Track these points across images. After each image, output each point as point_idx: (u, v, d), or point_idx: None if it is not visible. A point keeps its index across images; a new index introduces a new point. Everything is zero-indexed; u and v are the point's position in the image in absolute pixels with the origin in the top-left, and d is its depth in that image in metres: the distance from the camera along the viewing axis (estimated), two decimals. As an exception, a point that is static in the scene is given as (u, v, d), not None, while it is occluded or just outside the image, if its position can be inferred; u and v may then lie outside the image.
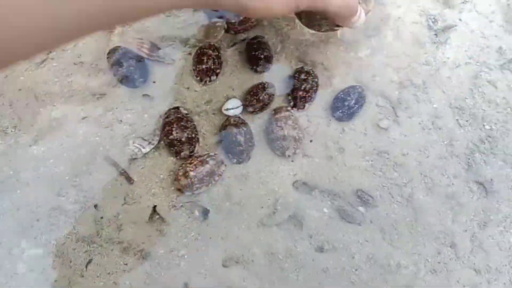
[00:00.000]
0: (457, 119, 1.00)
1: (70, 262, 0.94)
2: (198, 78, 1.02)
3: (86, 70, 1.05)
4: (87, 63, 1.05)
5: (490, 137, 0.98)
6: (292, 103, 1.01)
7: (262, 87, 1.00)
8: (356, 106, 1.00)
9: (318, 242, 0.94)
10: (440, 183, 0.97)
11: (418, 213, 0.96)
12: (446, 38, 1.04)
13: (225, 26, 1.04)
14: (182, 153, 0.96)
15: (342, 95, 1.01)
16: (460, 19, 1.05)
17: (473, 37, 1.04)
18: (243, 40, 1.05)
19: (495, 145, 0.98)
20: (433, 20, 1.05)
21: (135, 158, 0.99)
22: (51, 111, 1.02)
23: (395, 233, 0.95)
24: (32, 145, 1.00)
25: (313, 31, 0.90)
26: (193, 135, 0.97)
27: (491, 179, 0.96)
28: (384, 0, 1.07)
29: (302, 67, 1.03)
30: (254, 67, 1.01)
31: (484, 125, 0.99)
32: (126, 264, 0.94)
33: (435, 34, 1.04)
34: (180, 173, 0.95)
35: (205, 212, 0.95)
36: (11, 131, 1.01)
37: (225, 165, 0.97)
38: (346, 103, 1.00)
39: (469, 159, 0.98)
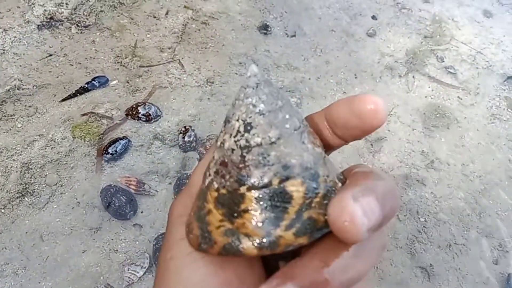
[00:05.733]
0: (397, 215, 1.21)
1: None
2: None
3: (83, 209, 1.22)
4: (83, 202, 1.23)
5: (425, 227, 1.19)
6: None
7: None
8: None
9: None
10: (390, 272, 1.16)
11: (375, 301, 1.14)
12: (380, 147, 1.27)
13: (198, 157, 1.25)
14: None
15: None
16: (388, 130, 1.29)
17: (401, 144, 1.27)
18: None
19: (430, 234, 1.19)
20: (367, 133, 1.29)
21: (132, 283, 1.15)
22: (55, 249, 1.19)
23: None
24: (41, 281, 1.16)
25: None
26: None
27: (431, 264, 1.16)
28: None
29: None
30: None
31: (419, 218, 1.20)
32: None
33: (371, 145, 1.27)
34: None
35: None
36: (21, 271, 1.16)
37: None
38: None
39: (411, 248, 1.18)
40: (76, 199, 1.23)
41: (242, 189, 0.26)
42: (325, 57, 1.53)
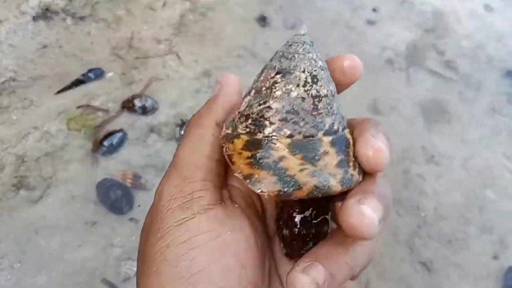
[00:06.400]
0: (397, 210, 1.19)
1: None
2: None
3: (78, 202, 1.21)
4: (79, 196, 1.21)
5: (425, 222, 1.18)
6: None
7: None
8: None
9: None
10: (389, 267, 1.15)
11: (374, 297, 1.13)
12: (380, 141, 1.26)
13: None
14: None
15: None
16: (389, 124, 1.27)
17: (401, 138, 1.26)
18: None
19: (431, 229, 1.18)
20: (367, 127, 1.27)
21: (128, 278, 1.14)
22: (50, 243, 1.17)
23: (357, 317, 1.12)
24: (36, 275, 1.14)
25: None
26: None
27: (431, 259, 1.15)
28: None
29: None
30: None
31: (419, 213, 1.19)
32: None
33: (370, 139, 1.26)
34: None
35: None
36: (17, 265, 1.15)
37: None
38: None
39: (411, 243, 1.17)
40: (72, 192, 1.22)
41: (319, 134, 0.29)
42: (325, 50, 1.51)
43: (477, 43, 1.58)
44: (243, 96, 0.34)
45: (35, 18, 1.55)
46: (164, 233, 0.30)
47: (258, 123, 0.29)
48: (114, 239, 1.18)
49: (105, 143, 1.25)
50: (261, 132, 0.28)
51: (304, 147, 0.28)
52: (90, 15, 1.58)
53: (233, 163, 0.28)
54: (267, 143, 0.28)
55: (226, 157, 0.29)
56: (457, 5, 1.73)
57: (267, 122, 0.28)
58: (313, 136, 0.28)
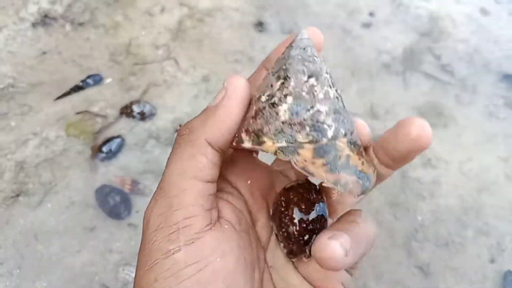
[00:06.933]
0: (394, 214, 1.20)
1: None
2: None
3: (77, 208, 1.21)
4: (77, 201, 1.22)
5: (422, 226, 1.19)
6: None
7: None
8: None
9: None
10: (387, 270, 1.16)
11: (372, 300, 1.14)
12: (376, 145, 1.26)
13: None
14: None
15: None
16: (386, 128, 1.28)
17: (398, 142, 1.27)
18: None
19: (427, 232, 1.18)
20: (364, 131, 1.28)
21: (127, 284, 1.14)
22: (50, 248, 1.18)
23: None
24: (36, 281, 1.15)
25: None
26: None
27: (428, 263, 1.16)
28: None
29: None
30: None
31: (416, 216, 1.20)
32: None
33: (367, 143, 1.27)
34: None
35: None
36: (16, 271, 1.15)
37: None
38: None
39: (408, 247, 1.17)
40: (71, 198, 1.22)
41: (355, 130, 0.31)
42: (321, 54, 1.52)
43: (473, 46, 1.59)
44: (254, 104, 0.32)
45: (34, 25, 1.56)
46: (152, 265, 0.29)
47: (318, 128, 0.29)
48: (112, 244, 1.19)
49: (104, 149, 1.26)
50: (324, 137, 0.29)
51: (355, 143, 0.30)
52: (89, 21, 1.59)
53: (312, 174, 0.28)
54: (333, 146, 0.29)
55: (299, 169, 0.29)
56: (453, 9, 1.74)
57: (325, 126, 0.29)
58: (353, 132, 0.30)
